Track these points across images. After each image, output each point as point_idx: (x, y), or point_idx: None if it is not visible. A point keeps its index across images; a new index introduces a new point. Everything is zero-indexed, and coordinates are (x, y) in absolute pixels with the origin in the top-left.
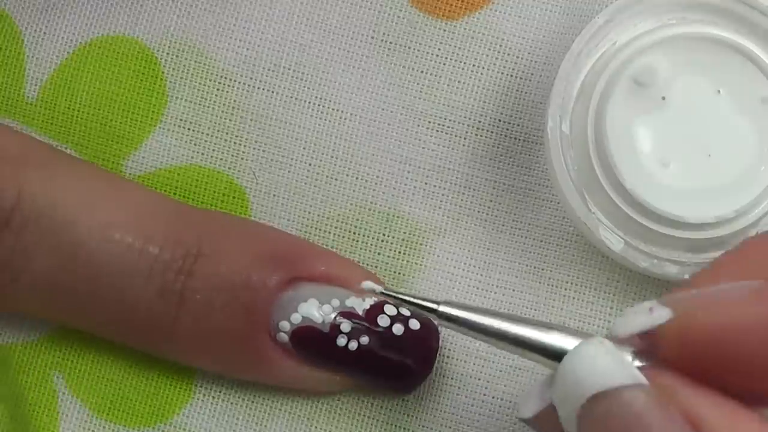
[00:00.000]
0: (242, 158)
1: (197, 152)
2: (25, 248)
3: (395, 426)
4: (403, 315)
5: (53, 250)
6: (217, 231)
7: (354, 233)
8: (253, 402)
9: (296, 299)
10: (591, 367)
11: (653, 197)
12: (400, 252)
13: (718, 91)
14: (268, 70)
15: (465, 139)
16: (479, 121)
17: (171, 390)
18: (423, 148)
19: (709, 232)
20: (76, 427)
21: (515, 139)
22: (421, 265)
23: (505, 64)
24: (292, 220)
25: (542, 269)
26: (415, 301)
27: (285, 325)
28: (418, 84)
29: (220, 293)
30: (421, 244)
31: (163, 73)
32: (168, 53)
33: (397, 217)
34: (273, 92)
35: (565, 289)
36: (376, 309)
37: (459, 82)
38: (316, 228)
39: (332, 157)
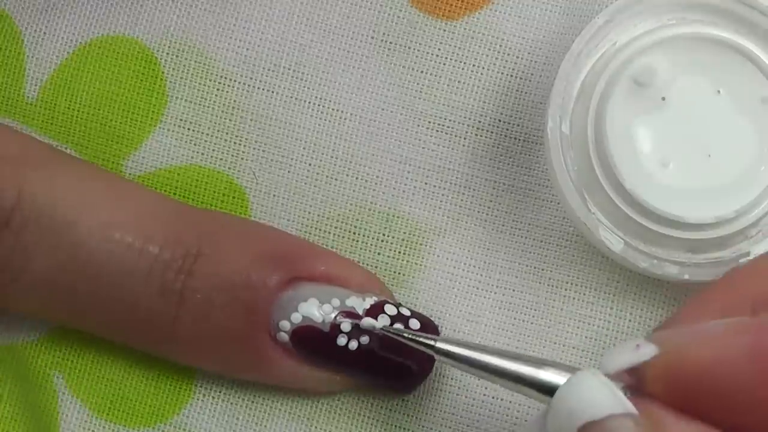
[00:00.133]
0: (242, 158)
1: (197, 152)
2: (25, 248)
3: (395, 426)
4: (404, 315)
5: (53, 250)
6: (217, 231)
7: (354, 233)
8: (253, 402)
9: (296, 299)
10: (583, 397)
11: (653, 197)
12: (400, 252)
13: (718, 91)
14: (268, 70)
15: (465, 139)
16: (479, 121)
17: (171, 390)
18: (423, 148)
19: (709, 232)
20: (76, 427)
21: (515, 139)
22: (421, 265)
23: (505, 64)
24: (292, 220)
25: (542, 269)
26: (413, 336)
27: (285, 324)
28: (418, 84)
29: (220, 293)
30: (421, 244)
31: (163, 73)
32: (168, 53)
33: (397, 217)
34: (273, 92)
35: (565, 289)
36: (377, 309)
37: (459, 82)
38: (316, 228)
39: (332, 157)
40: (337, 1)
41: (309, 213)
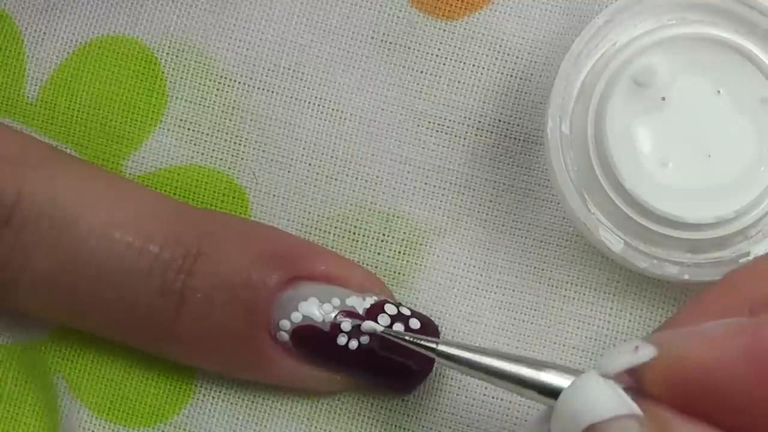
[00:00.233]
0: (242, 158)
1: (197, 152)
2: (25, 247)
3: (395, 426)
4: (403, 314)
5: (53, 250)
6: (217, 231)
7: (354, 233)
8: (253, 402)
9: (296, 298)
10: (588, 399)
11: (653, 197)
12: (400, 252)
13: (718, 92)
14: (268, 70)
15: (465, 139)
16: (479, 121)
17: (171, 390)
18: (423, 148)
19: (709, 232)
20: (76, 427)
21: (515, 139)
22: (421, 265)
23: (505, 64)
24: (292, 220)
25: (542, 269)
26: (415, 339)
27: (285, 324)
28: (418, 84)
29: (221, 292)
30: (421, 244)
31: (163, 73)
32: (168, 53)
33: (397, 217)
34: (273, 92)
35: (565, 289)
36: (377, 308)
37: (459, 82)
38: (316, 228)
39: (332, 157)
40: (337, 1)
41: (309, 213)
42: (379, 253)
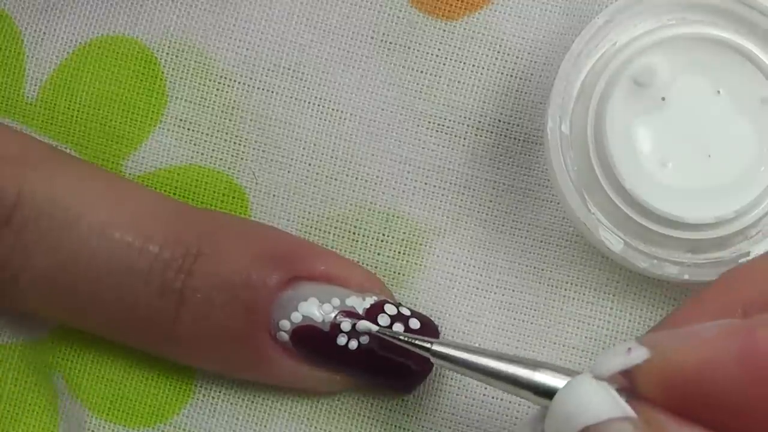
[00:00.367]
0: (242, 158)
1: (197, 152)
2: (25, 247)
3: (395, 426)
4: (403, 314)
5: (53, 249)
6: (217, 231)
7: (354, 233)
8: (253, 402)
9: (296, 298)
10: (582, 402)
11: (653, 197)
12: (400, 252)
13: (718, 92)
14: (268, 70)
15: (465, 139)
16: (479, 121)
17: (171, 390)
18: (423, 148)
19: (709, 232)
20: (76, 427)
21: (515, 139)
22: (421, 265)
23: (505, 64)
24: (292, 220)
25: (542, 269)
26: (410, 339)
27: (285, 324)
28: (418, 84)
29: (221, 292)
30: (421, 244)
31: (162, 73)
32: (168, 53)
33: (397, 217)
34: (273, 92)
35: (565, 289)
36: (377, 308)
37: (459, 82)
38: (316, 228)
39: (332, 157)
40: (337, 1)
41: (309, 213)
42: (379, 253)
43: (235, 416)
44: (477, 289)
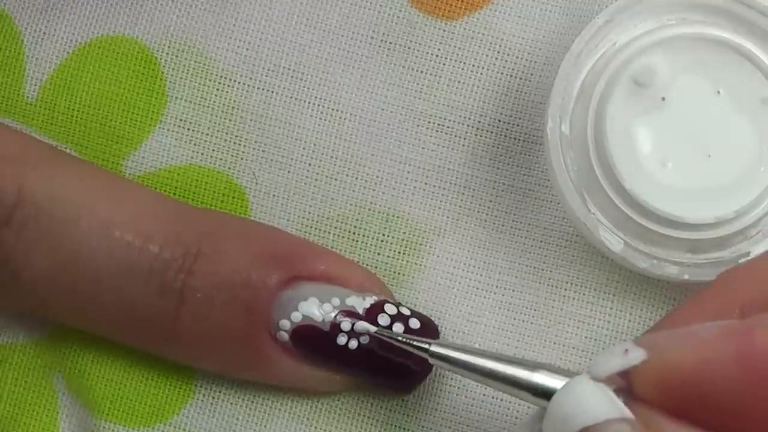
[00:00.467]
0: (242, 158)
1: (197, 152)
2: (25, 246)
3: (395, 426)
4: (403, 314)
5: (53, 249)
6: (217, 230)
7: (354, 233)
8: (253, 402)
9: (296, 298)
10: (580, 403)
11: (653, 198)
12: (400, 252)
13: (718, 92)
14: (268, 70)
15: (465, 139)
16: (479, 121)
17: (171, 390)
18: (423, 148)
19: (709, 232)
20: (76, 427)
21: (515, 139)
22: (421, 265)
23: (505, 64)
24: (292, 220)
25: (542, 269)
26: (408, 340)
27: (285, 323)
28: (418, 84)
29: (221, 292)
30: (421, 244)
31: (162, 73)
32: (168, 53)
33: (397, 217)
34: (273, 92)
35: (565, 289)
36: (377, 308)
37: (459, 82)
38: (316, 228)
39: (332, 157)
40: (337, 1)
41: (309, 213)
42: (379, 253)
43: (235, 416)
44: (477, 289)
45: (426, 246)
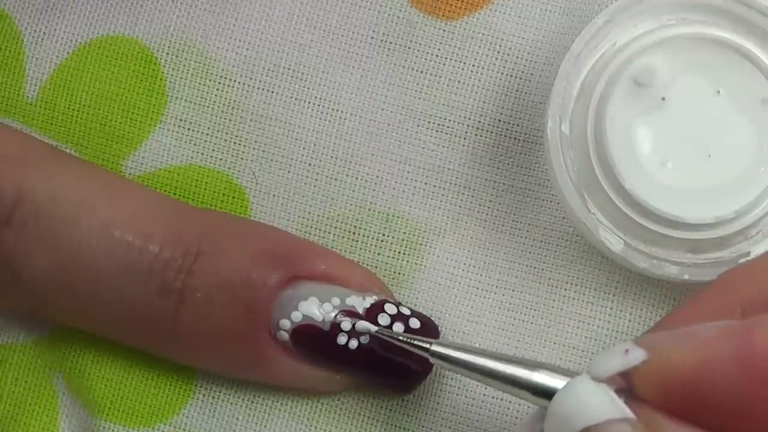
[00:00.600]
0: (242, 158)
1: (197, 152)
2: (25, 246)
3: (395, 426)
4: (403, 314)
5: (53, 249)
6: (217, 230)
7: (354, 233)
8: (253, 402)
9: (296, 298)
10: (581, 402)
11: (653, 198)
12: (400, 252)
13: (718, 92)
14: (268, 70)
15: (465, 139)
16: (479, 121)
17: (171, 390)
18: (423, 148)
19: (709, 232)
20: (76, 427)
21: (515, 139)
22: (421, 265)
23: (505, 64)
24: (292, 220)
25: (542, 269)
26: (409, 339)
27: (285, 323)
28: (418, 84)
29: (221, 292)
30: (421, 244)
31: (162, 73)
32: (168, 53)
33: (397, 217)
34: (273, 92)
35: (565, 289)
36: (377, 308)
37: (459, 82)
38: (316, 228)
39: (332, 157)
40: (337, 1)
41: (309, 213)
42: (379, 253)
43: (235, 416)
44: (477, 289)
45: (426, 246)
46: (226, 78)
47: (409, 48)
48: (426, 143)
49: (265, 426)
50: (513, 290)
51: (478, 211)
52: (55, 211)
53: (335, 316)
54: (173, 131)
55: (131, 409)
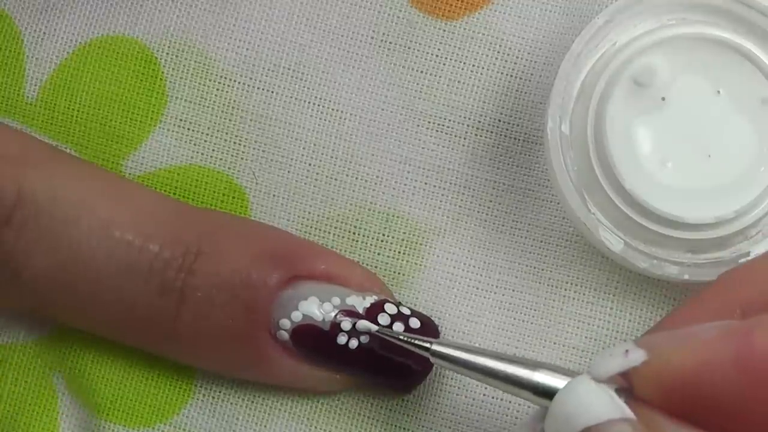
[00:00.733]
0: (242, 158)
1: (197, 152)
2: (25, 246)
3: (395, 426)
4: (403, 314)
5: (53, 249)
6: (217, 230)
7: (354, 233)
8: (253, 402)
9: (296, 297)
10: (582, 402)
11: (653, 197)
12: (400, 252)
13: (718, 92)
14: (268, 70)
15: (465, 139)
16: (479, 121)
17: (171, 390)
18: (423, 148)
19: (709, 232)
20: (76, 427)
21: (515, 139)
22: (421, 265)
23: (505, 64)
24: (292, 220)
25: (542, 269)
26: (409, 339)
27: (285, 323)
28: (418, 84)
29: (221, 291)
30: (421, 244)
31: (162, 73)
32: (168, 53)
33: (397, 217)
34: (273, 92)
35: (565, 289)
36: (377, 308)
37: (459, 82)
38: (316, 228)
39: (332, 157)
40: (337, 1)
41: (309, 213)
42: (379, 253)
43: (235, 416)
44: (477, 289)
45: (426, 246)
46: (226, 78)
47: (409, 48)
48: (426, 143)
49: (265, 426)
50: (513, 290)
51: (478, 211)
52: (55, 211)
53: (335, 315)
54: (173, 131)
55: (131, 409)
